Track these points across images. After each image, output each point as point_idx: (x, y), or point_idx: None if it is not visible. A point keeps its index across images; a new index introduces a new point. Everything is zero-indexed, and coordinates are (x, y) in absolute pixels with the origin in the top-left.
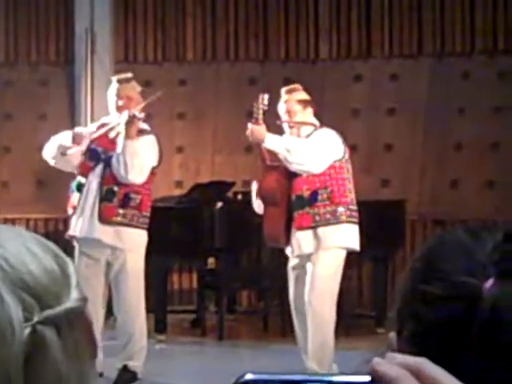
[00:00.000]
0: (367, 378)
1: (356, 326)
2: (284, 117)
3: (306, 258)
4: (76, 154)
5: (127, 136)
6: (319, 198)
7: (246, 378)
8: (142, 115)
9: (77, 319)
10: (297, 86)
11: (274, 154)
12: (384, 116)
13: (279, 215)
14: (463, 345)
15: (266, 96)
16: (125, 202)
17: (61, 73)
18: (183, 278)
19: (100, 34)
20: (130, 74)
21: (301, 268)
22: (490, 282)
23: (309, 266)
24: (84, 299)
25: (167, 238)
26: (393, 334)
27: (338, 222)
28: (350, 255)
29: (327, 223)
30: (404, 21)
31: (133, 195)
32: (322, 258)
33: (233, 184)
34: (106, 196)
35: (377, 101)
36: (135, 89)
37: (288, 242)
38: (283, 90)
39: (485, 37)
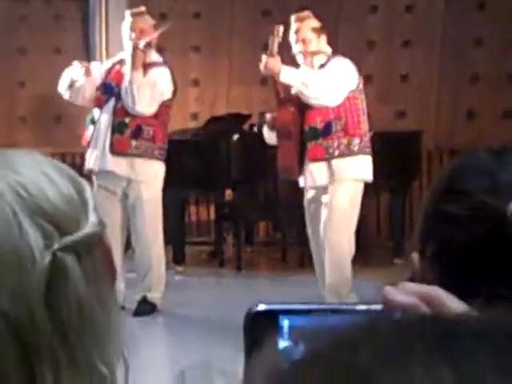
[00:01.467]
0: (380, 307)
1: (374, 257)
2: (297, 46)
3: (321, 191)
4: (84, 86)
5: (132, 67)
6: (333, 129)
7: (258, 309)
8: (143, 45)
9: (95, 244)
10: (307, 13)
11: (287, 87)
12: (399, 47)
13: (293, 147)
14: (486, 264)
15: (281, 28)
16: (137, 134)
17: (75, 6)
18: (200, 209)
19: None
20: (143, 8)
21: (317, 201)
22: None
23: (325, 199)
24: (102, 223)
25: (184, 170)
26: (415, 255)
27: (351, 153)
28: (367, 187)
29: (341, 155)
30: None
31: (145, 127)
32: (338, 191)
33: (249, 116)
34: (118, 128)
35: (392, 32)
36: (148, 22)
37: (301, 172)
38: (293, 18)
39: None
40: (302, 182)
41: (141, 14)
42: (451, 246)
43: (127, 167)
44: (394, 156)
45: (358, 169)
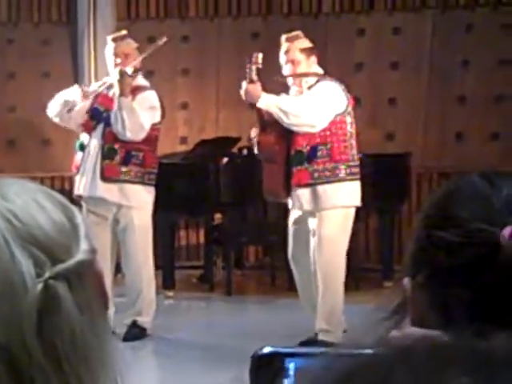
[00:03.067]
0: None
1: (363, 280)
2: (286, 67)
3: (307, 214)
4: (81, 110)
5: (121, 93)
6: (319, 154)
7: (263, 351)
8: (131, 71)
9: (87, 271)
10: (298, 33)
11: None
12: (387, 70)
13: (278, 170)
14: (479, 290)
15: (260, 55)
16: (127, 160)
17: (63, 31)
18: (190, 233)
19: None
20: (124, 32)
21: (301, 223)
22: (508, 230)
23: (311, 224)
24: (93, 250)
25: (173, 194)
26: (407, 280)
27: (338, 179)
28: (356, 209)
29: (327, 181)
30: None
31: (134, 152)
32: (325, 220)
33: (238, 139)
34: (107, 154)
35: (380, 54)
36: (131, 45)
37: (288, 195)
38: (283, 38)
39: None
40: (290, 203)
41: (123, 37)
42: (444, 272)
43: (118, 193)
44: (383, 178)
45: (344, 195)
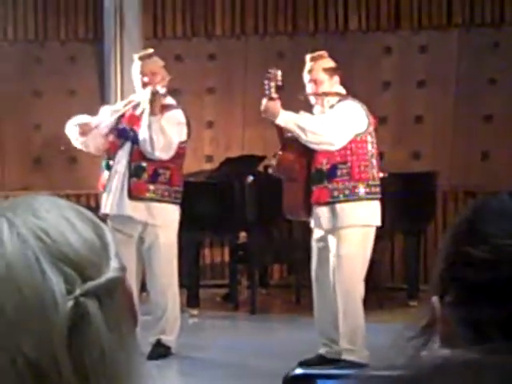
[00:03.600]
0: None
1: (388, 299)
2: (309, 86)
3: (327, 233)
4: (87, 142)
5: (151, 112)
6: (338, 173)
7: (296, 372)
8: (164, 91)
9: (117, 289)
10: (323, 52)
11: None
12: (414, 88)
13: (298, 188)
14: (510, 307)
15: (279, 72)
16: (154, 178)
17: (90, 49)
18: (215, 252)
19: (129, 9)
20: (151, 50)
21: (325, 240)
22: None
23: (332, 244)
24: (123, 268)
25: (198, 212)
26: (435, 299)
27: (357, 199)
28: (381, 229)
29: (346, 200)
30: None
31: (162, 170)
32: (344, 238)
33: (263, 158)
34: (135, 172)
35: (406, 73)
36: (158, 63)
37: (310, 214)
38: (308, 57)
39: None
40: (312, 223)
41: (150, 56)
42: (473, 289)
43: (145, 212)
44: (409, 197)
45: (363, 214)
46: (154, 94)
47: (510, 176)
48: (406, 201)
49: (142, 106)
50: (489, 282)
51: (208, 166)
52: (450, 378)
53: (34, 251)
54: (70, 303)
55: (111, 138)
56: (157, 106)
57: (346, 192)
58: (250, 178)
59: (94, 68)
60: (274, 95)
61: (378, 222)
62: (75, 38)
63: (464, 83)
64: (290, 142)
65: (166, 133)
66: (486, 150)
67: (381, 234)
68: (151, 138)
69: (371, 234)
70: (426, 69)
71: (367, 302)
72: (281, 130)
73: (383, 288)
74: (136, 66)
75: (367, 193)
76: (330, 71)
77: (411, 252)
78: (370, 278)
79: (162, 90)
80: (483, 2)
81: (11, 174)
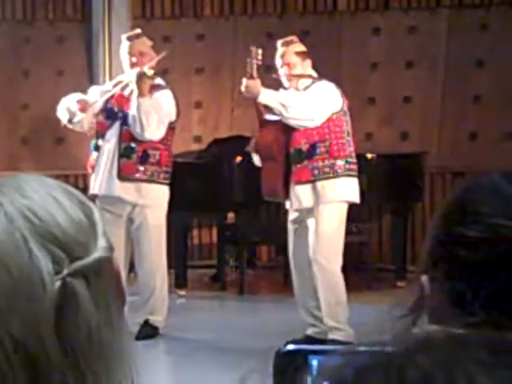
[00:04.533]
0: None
1: (377, 280)
2: (282, 70)
3: (305, 213)
4: (83, 120)
5: (140, 94)
6: (318, 151)
7: (287, 349)
8: (152, 72)
9: (105, 268)
10: (293, 37)
11: (270, 108)
12: (402, 68)
13: (277, 169)
14: (499, 285)
15: (260, 50)
16: (144, 159)
17: (78, 29)
18: (203, 233)
19: None
20: (138, 30)
21: (300, 222)
22: None
23: (310, 222)
24: (111, 248)
25: (186, 193)
26: (425, 278)
27: (336, 175)
28: (370, 209)
29: (326, 177)
30: None
31: (151, 151)
32: (323, 215)
33: (251, 138)
34: (124, 153)
35: (395, 53)
36: (146, 43)
37: (287, 195)
38: (279, 43)
39: None
40: (287, 204)
41: (138, 36)
42: (464, 268)
43: (134, 192)
44: (397, 177)
45: (342, 191)
46: (142, 74)
47: (498, 157)
48: (394, 181)
49: (131, 86)
50: (479, 260)
51: (196, 147)
52: (433, 353)
53: (22, 231)
54: (58, 283)
55: (100, 118)
56: (145, 88)
57: (326, 169)
58: (238, 159)
59: (82, 48)
60: (255, 74)
61: (357, 199)
62: (63, 17)
63: (452, 64)
64: (268, 122)
65: (155, 114)
66: (474, 131)
67: (369, 214)
68: (140, 120)
69: (345, 211)
70: (414, 50)
71: (355, 283)
72: (259, 111)
73: (371, 269)
74: (124, 46)
75: (346, 169)
76: (302, 54)
77: (399, 233)
78: (358, 259)
79: (149, 71)
80: None
81: None
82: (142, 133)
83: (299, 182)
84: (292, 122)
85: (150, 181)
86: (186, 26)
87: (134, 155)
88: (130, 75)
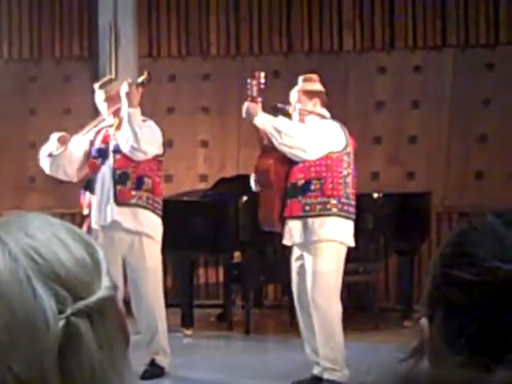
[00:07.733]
0: None
1: (383, 320)
2: (296, 105)
3: (302, 249)
4: (62, 154)
5: (130, 104)
6: (312, 187)
7: None
8: (142, 79)
9: (108, 308)
10: (313, 76)
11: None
12: (408, 108)
13: (273, 198)
14: (495, 329)
15: (263, 74)
16: (138, 185)
17: (85, 68)
18: (209, 272)
19: (124, 28)
20: (110, 76)
21: (301, 258)
22: None
23: (308, 261)
24: (115, 286)
25: (192, 232)
26: (424, 320)
27: (327, 214)
28: (376, 249)
29: (317, 214)
30: (427, 12)
31: (145, 179)
32: (318, 253)
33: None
34: (119, 179)
35: (401, 93)
36: (119, 86)
37: (283, 228)
38: (300, 78)
39: (509, 28)
40: (284, 239)
41: (110, 82)
42: (459, 311)
43: (131, 218)
44: (403, 217)
45: (334, 230)
46: (131, 85)
47: (505, 196)
48: (400, 221)
49: (114, 125)
50: (474, 303)
51: (202, 186)
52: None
53: (26, 270)
54: (62, 323)
55: (90, 159)
56: (134, 98)
57: (318, 207)
58: (244, 198)
59: (89, 86)
60: (255, 94)
61: (351, 243)
62: (70, 56)
63: (458, 103)
64: (268, 149)
65: (146, 128)
66: (481, 170)
67: (375, 254)
68: (133, 129)
69: (343, 253)
70: (420, 89)
71: (362, 323)
72: (261, 136)
73: (378, 309)
74: (98, 95)
75: (339, 209)
76: (311, 93)
77: (405, 272)
78: (365, 299)
79: (140, 79)
80: (478, 22)
81: (5, 193)
82: (137, 144)
83: (290, 217)
84: (284, 149)
85: (145, 207)
86: (192, 65)
87: (128, 182)
88: (110, 121)
